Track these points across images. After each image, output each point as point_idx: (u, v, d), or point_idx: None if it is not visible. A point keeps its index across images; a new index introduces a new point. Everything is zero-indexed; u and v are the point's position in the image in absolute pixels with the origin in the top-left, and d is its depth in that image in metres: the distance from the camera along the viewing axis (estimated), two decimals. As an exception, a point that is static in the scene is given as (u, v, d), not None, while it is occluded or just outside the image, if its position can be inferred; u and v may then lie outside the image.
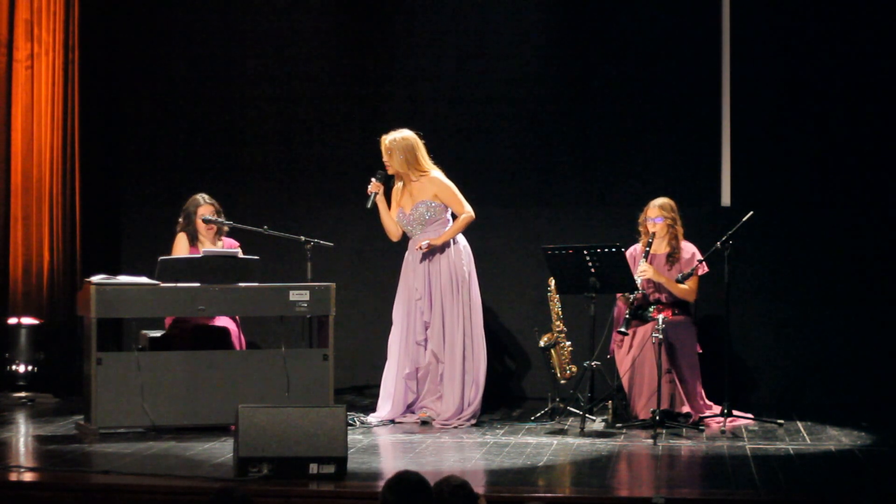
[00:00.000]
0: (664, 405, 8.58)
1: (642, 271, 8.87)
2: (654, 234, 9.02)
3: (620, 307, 9.03)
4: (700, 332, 9.08)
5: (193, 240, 9.12)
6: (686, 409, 8.81)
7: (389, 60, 10.43)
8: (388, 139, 8.88)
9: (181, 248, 9.09)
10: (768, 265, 9.96)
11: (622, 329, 8.79)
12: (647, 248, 8.96)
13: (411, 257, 8.96)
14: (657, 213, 9.02)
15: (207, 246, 9.02)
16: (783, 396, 9.80)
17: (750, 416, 8.96)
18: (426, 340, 8.88)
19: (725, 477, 7.22)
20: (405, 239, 9.06)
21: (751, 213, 8.84)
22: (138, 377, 8.37)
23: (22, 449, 8.19)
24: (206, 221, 9.08)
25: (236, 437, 6.94)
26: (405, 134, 8.88)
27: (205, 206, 9.13)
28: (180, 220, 9.18)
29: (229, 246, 9.14)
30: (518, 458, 7.65)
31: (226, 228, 9.18)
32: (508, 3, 10.27)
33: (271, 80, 10.52)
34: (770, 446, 8.05)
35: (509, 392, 10.06)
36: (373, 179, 8.92)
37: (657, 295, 9.02)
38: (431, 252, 8.84)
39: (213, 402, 8.42)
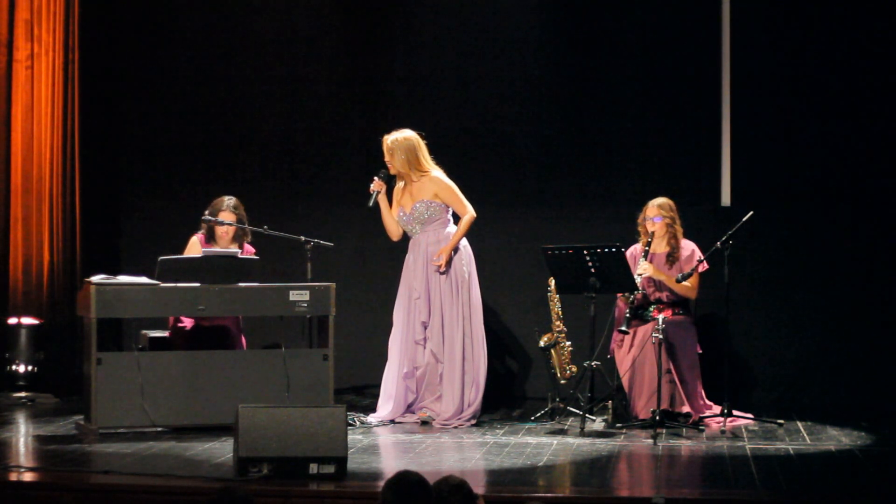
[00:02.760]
0: (664, 405, 8.59)
1: (643, 270, 8.88)
2: (653, 233, 9.02)
3: (621, 307, 9.03)
4: (700, 332, 9.08)
5: (211, 237, 9.05)
6: (686, 409, 8.81)
7: (389, 60, 10.43)
8: (389, 139, 8.89)
9: (193, 251, 9.01)
10: (768, 265, 9.95)
11: (623, 328, 8.79)
12: (647, 248, 8.96)
13: (412, 257, 8.96)
14: (656, 212, 9.03)
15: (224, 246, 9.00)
16: (783, 396, 9.80)
17: (750, 416, 8.96)
18: (425, 340, 8.88)
19: (725, 477, 7.22)
20: (405, 239, 9.06)
21: (751, 213, 8.85)
22: (138, 377, 8.37)
23: (22, 449, 8.19)
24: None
25: (236, 437, 6.94)
26: (407, 134, 8.89)
27: (225, 211, 9.05)
28: (203, 217, 9.09)
29: (247, 253, 9.08)
30: (518, 458, 7.65)
31: (247, 237, 9.10)
32: (508, 4, 10.27)
33: (271, 80, 10.52)
34: (770, 446, 8.05)
35: (509, 392, 10.06)
36: (375, 178, 8.93)
37: (658, 294, 9.02)
38: (434, 251, 8.83)
39: (213, 402, 8.42)
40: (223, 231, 9.02)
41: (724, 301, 8.90)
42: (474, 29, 10.30)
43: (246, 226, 9.10)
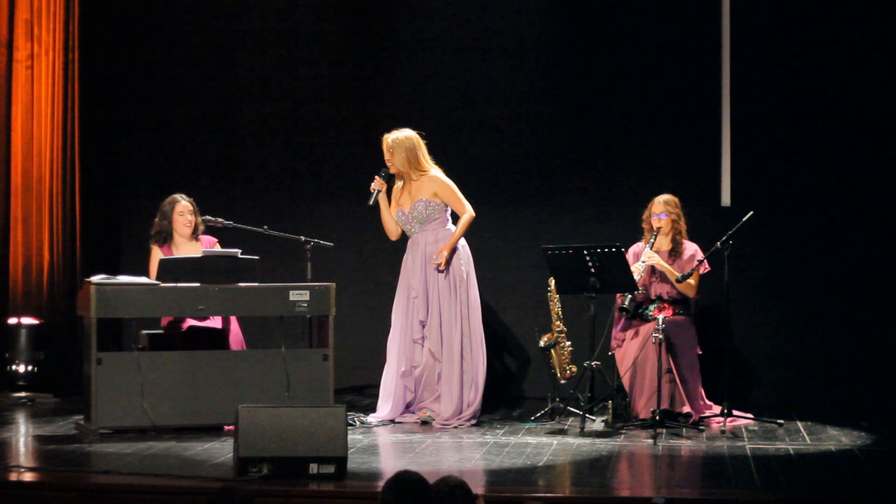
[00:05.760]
0: (664, 405, 8.59)
1: (648, 257, 8.88)
2: (658, 229, 9.03)
3: (616, 316, 9.07)
4: (700, 332, 9.08)
5: (167, 240, 9.04)
6: (686, 409, 8.82)
7: (389, 60, 10.43)
8: (390, 138, 8.90)
9: (156, 261, 8.96)
10: (768, 265, 9.95)
11: (624, 306, 8.81)
12: (652, 241, 8.96)
13: (410, 257, 8.96)
14: (662, 208, 9.05)
15: (184, 246, 9.00)
16: (783, 396, 9.80)
17: (750, 416, 8.96)
18: (423, 338, 8.88)
19: (725, 477, 7.22)
20: (404, 238, 9.06)
21: (751, 213, 8.85)
22: (138, 377, 8.37)
23: (22, 449, 8.19)
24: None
25: (236, 437, 6.94)
26: (407, 133, 8.89)
27: (184, 204, 9.08)
28: (156, 220, 9.10)
29: (207, 244, 9.11)
30: (518, 458, 7.65)
31: (202, 227, 9.14)
32: (509, 4, 10.27)
33: (271, 80, 10.52)
34: (770, 446, 8.05)
35: (509, 392, 10.06)
36: (376, 177, 8.94)
37: (659, 289, 9.01)
38: (433, 251, 8.83)
39: (213, 402, 8.42)
40: (183, 225, 9.00)
41: (724, 301, 8.90)
42: (474, 29, 10.30)
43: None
